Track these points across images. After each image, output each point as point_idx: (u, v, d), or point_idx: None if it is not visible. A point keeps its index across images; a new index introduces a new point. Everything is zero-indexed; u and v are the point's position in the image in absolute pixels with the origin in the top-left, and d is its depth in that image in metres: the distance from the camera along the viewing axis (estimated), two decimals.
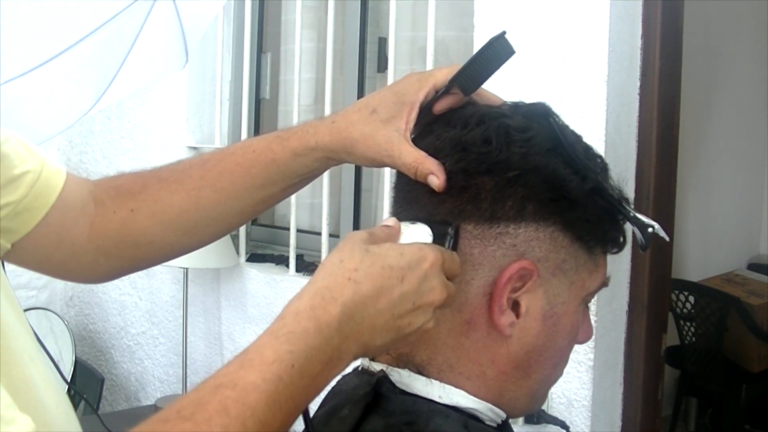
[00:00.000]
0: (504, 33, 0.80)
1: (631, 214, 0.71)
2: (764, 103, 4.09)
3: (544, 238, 0.68)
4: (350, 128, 0.78)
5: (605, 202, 0.70)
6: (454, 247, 0.68)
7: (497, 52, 0.80)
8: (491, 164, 0.67)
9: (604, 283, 0.74)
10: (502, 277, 0.67)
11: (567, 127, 0.72)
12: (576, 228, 0.69)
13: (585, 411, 1.78)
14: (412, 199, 0.72)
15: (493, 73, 0.80)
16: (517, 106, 0.73)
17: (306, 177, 0.85)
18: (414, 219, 0.71)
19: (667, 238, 0.73)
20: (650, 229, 0.71)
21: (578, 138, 0.72)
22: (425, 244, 0.67)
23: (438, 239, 0.69)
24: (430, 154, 0.70)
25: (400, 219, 0.71)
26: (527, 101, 0.74)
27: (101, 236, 0.88)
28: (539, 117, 0.70)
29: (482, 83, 0.80)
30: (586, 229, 0.70)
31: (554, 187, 0.68)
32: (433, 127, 0.73)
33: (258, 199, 0.86)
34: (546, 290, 0.69)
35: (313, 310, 0.61)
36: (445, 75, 0.77)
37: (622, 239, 0.73)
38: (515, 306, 0.69)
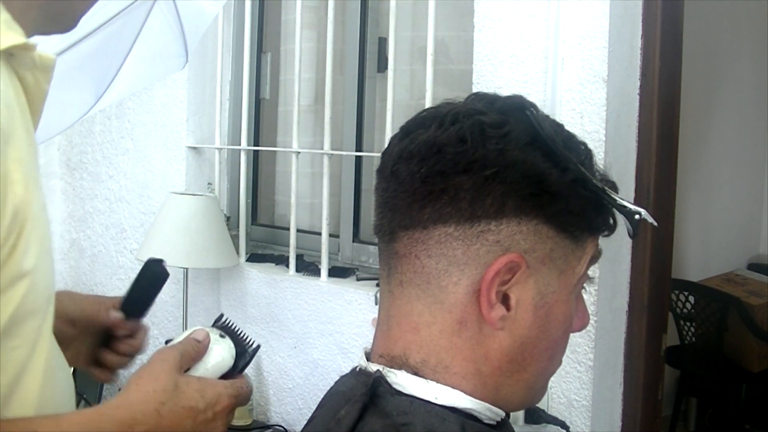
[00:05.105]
0: (154, 260, 0.98)
1: (618, 202, 0.70)
2: (764, 103, 4.09)
3: (528, 232, 0.67)
4: None
5: (588, 192, 0.69)
6: (249, 361, 0.88)
7: (152, 277, 0.98)
8: (468, 163, 0.66)
9: (595, 258, 0.73)
10: (489, 271, 0.67)
11: (546, 118, 0.70)
12: (559, 220, 0.68)
13: (585, 411, 1.78)
14: (393, 206, 0.70)
15: (154, 297, 0.98)
16: (493, 101, 0.71)
17: None
18: (220, 329, 0.88)
19: (655, 223, 0.72)
20: (637, 216, 0.70)
21: (558, 128, 0.71)
22: (225, 386, 0.83)
23: (239, 357, 0.87)
24: (404, 158, 0.69)
25: (376, 232, 0.73)
26: (504, 95, 0.72)
27: None
28: (515, 111, 0.69)
29: (148, 307, 1.00)
30: (569, 220, 0.69)
31: (534, 181, 0.67)
32: (410, 128, 0.72)
33: None
34: (536, 280, 0.69)
35: (122, 424, 0.74)
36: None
37: (612, 221, 0.72)
38: (505, 299, 0.68)
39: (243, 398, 0.84)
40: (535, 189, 0.67)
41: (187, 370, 0.83)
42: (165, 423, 0.76)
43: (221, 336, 0.87)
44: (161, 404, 0.76)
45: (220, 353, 0.85)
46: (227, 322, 0.90)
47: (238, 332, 0.90)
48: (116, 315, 0.99)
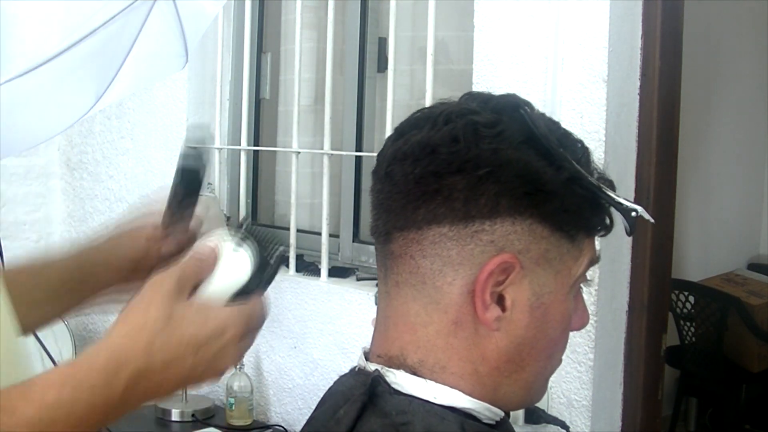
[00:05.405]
0: (187, 151, 0.92)
1: (614, 200, 0.69)
2: (764, 103, 4.09)
3: (522, 231, 0.67)
4: None
5: (584, 190, 0.68)
6: (273, 273, 0.74)
7: (189, 172, 0.91)
8: (461, 163, 0.66)
9: (593, 261, 0.73)
10: (483, 272, 0.67)
11: (542, 116, 0.70)
12: (554, 219, 0.68)
13: (585, 411, 1.78)
14: (388, 207, 0.71)
15: (199, 190, 0.89)
16: (486, 100, 0.71)
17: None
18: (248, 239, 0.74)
19: (652, 220, 0.72)
20: (633, 213, 0.70)
21: (554, 126, 0.71)
22: (232, 310, 0.70)
23: (260, 269, 0.73)
24: (398, 159, 0.69)
25: (372, 233, 0.72)
26: (498, 94, 0.72)
27: None
28: (509, 109, 0.69)
29: (195, 202, 0.89)
30: (565, 219, 0.69)
31: (528, 180, 0.66)
32: (404, 129, 0.72)
33: None
34: (531, 281, 0.68)
35: (105, 371, 0.65)
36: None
37: (608, 221, 0.72)
38: (500, 300, 0.68)
39: (257, 321, 0.72)
40: (530, 188, 0.67)
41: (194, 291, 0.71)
42: (157, 360, 0.66)
43: (237, 246, 0.72)
44: (151, 341, 0.65)
45: (232, 269, 0.71)
46: (250, 225, 0.75)
47: (263, 239, 0.74)
48: (170, 247, 0.91)
